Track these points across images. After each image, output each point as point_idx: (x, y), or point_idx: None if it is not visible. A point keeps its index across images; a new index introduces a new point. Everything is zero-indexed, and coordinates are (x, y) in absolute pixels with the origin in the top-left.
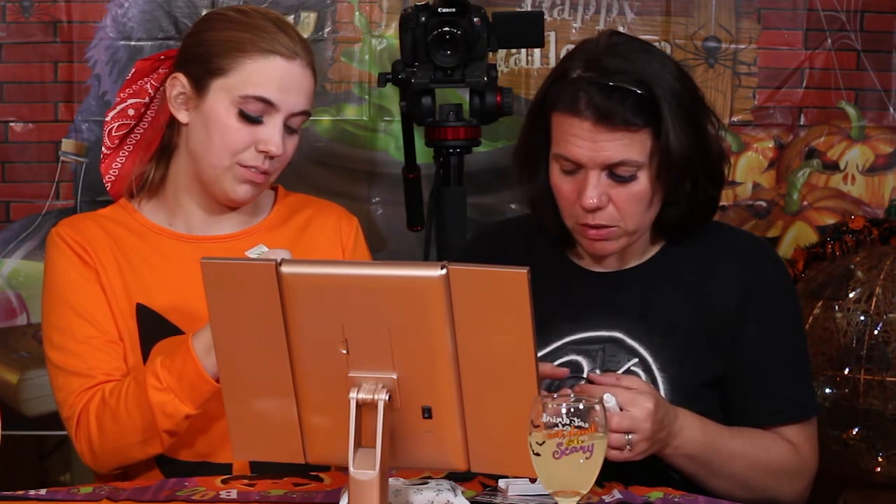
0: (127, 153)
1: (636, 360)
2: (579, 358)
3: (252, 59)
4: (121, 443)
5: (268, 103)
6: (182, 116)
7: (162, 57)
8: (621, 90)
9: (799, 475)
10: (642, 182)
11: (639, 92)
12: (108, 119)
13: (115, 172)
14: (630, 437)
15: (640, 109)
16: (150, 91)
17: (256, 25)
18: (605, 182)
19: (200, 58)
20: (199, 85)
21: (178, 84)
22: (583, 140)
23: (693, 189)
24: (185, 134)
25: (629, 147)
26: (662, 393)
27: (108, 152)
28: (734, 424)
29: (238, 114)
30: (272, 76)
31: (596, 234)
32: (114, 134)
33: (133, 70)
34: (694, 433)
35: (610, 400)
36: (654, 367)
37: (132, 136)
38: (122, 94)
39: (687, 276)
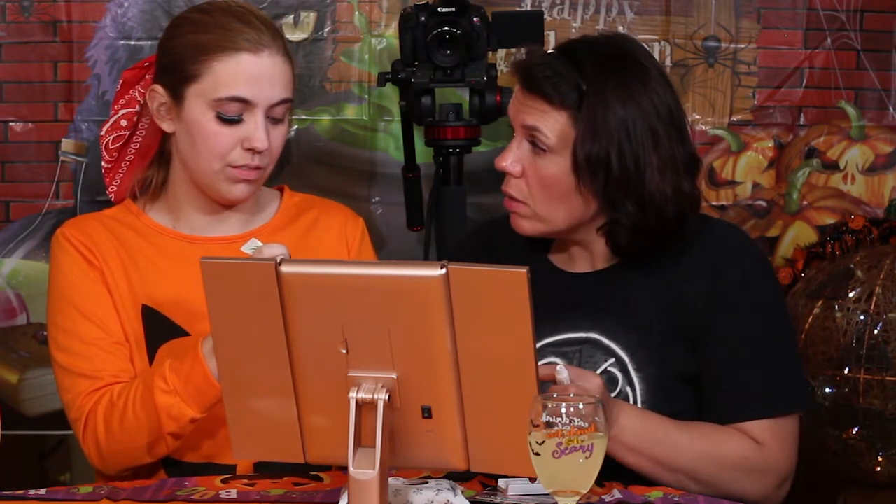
0: (128, 163)
1: (613, 360)
2: (557, 360)
3: (218, 60)
4: (128, 445)
5: (243, 101)
6: (167, 126)
7: (146, 63)
8: (556, 67)
9: (759, 473)
10: (554, 166)
11: (566, 74)
12: (102, 133)
13: (117, 183)
14: None
15: (566, 91)
16: (139, 99)
17: (219, 24)
18: (526, 149)
19: (172, 67)
20: (176, 94)
21: (157, 95)
22: (514, 101)
23: (611, 208)
24: (175, 142)
25: (543, 117)
26: (639, 392)
27: (109, 166)
28: (702, 422)
29: (216, 117)
30: (241, 74)
31: (508, 203)
32: (110, 147)
33: (121, 81)
34: (631, 421)
35: (562, 372)
36: (630, 367)
37: (131, 146)
38: (115, 107)
39: (661, 273)
